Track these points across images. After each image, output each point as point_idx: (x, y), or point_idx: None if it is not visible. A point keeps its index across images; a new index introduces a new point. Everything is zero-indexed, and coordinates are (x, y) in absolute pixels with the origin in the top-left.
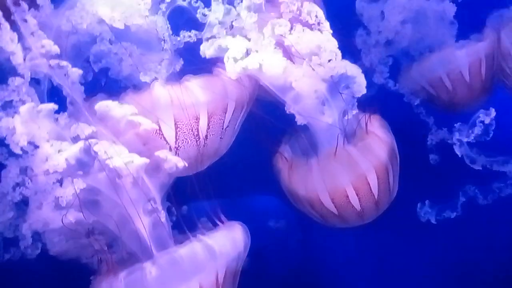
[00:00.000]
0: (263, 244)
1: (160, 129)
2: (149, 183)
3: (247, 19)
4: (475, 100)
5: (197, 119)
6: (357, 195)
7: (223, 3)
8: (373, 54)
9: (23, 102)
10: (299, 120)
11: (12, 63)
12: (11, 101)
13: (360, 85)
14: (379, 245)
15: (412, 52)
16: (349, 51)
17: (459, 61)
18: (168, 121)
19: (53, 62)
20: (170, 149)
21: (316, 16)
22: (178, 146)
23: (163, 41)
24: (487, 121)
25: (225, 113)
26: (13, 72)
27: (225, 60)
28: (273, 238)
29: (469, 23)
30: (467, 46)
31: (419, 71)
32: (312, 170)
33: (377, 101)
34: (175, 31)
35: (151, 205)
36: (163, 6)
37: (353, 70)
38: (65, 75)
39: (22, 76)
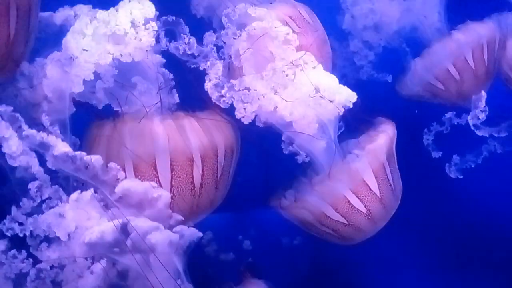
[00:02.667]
0: (277, 261)
1: (156, 170)
2: (172, 256)
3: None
4: (480, 87)
5: (191, 161)
6: (358, 197)
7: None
8: (362, 38)
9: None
10: (301, 158)
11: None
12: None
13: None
14: (394, 263)
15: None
16: (334, 36)
17: (463, 46)
18: (164, 161)
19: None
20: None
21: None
22: (173, 195)
23: (159, 76)
24: (482, 102)
25: (217, 156)
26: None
27: (237, 105)
28: (287, 255)
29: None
30: (467, 30)
31: (425, 67)
32: (310, 197)
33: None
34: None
35: (180, 280)
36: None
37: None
38: (90, 176)
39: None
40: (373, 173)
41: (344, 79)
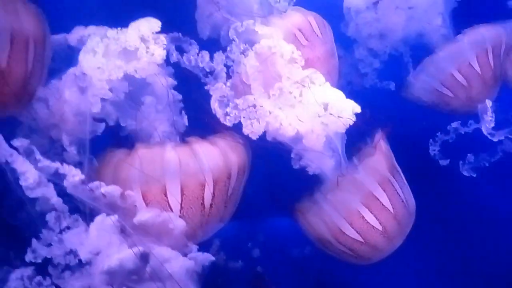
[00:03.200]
0: (287, 270)
1: (166, 195)
2: (189, 282)
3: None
4: (489, 91)
5: (203, 186)
6: (371, 212)
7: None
8: (367, 46)
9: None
10: (311, 170)
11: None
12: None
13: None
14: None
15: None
16: (340, 43)
17: (465, 50)
18: (175, 187)
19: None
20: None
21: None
22: (183, 214)
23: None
24: (489, 113)
25: (229, 179)
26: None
27: (244, 122)
28: (296, 264)
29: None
30: (470, 34)
31: (430, 73)
32: (324, 207)
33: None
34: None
35: None
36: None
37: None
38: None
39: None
40: (380, 186)
41: (349, 86)
